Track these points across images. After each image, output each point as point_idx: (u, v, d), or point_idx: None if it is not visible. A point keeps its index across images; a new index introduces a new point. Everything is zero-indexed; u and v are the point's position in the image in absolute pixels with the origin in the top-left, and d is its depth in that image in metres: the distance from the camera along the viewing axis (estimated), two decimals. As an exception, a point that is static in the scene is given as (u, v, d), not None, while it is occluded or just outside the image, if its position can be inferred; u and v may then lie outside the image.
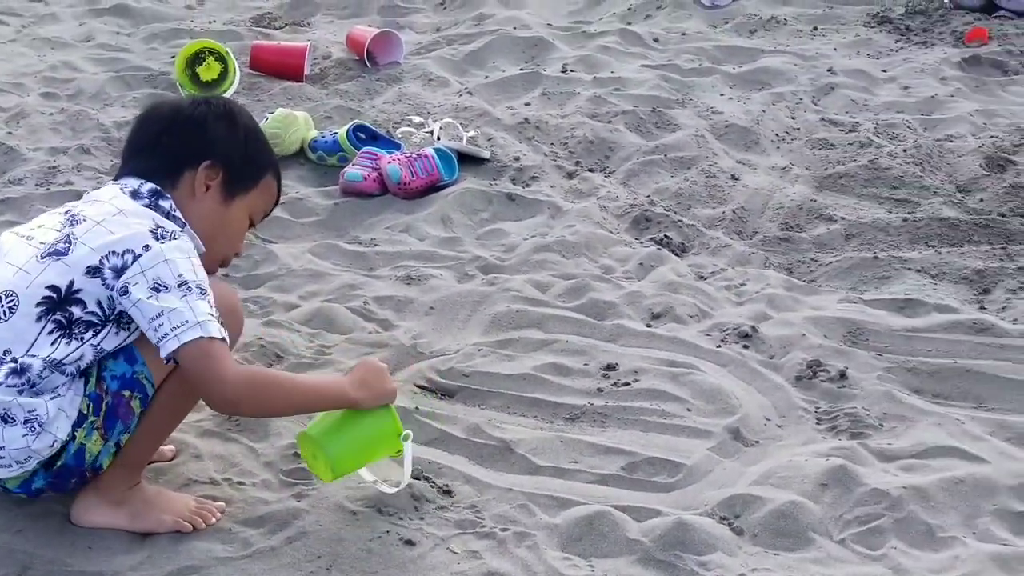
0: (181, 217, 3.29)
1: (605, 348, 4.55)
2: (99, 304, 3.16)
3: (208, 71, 6.78)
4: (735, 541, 3.56)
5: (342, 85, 7.12)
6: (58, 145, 6.11)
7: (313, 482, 3.62)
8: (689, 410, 4.19)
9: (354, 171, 5.78)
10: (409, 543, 3.42)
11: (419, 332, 4.65)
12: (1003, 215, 5.57)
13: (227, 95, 6.69)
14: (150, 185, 3.29)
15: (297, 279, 5.01)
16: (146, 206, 3.24)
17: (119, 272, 3.12)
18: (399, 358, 4.46)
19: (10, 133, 6.25)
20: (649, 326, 4.72)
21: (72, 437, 3.21)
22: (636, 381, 4.33)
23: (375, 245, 5.35)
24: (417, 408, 4.12)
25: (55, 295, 3.13)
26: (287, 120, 6.09)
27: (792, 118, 6.89)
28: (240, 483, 3.62)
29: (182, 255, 3.16)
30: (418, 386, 4.30)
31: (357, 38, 7.46)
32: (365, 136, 6.12)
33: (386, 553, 3.37)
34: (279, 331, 4.54)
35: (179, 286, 3.11)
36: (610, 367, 4.42)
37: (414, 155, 5.83)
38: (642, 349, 4.56)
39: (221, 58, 6.78)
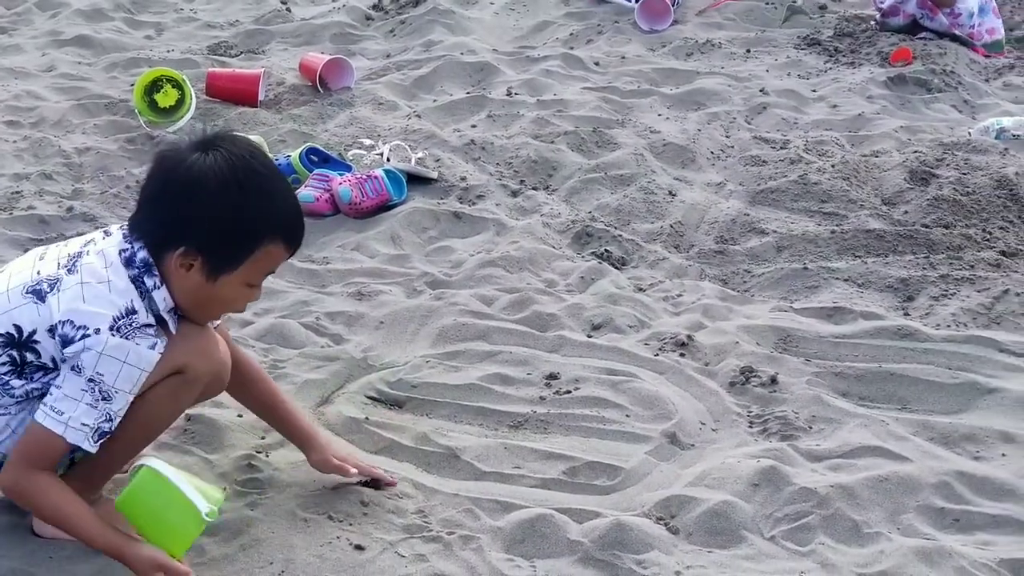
0: (162, 298, 3.18)
1: (547, 358, 4.56)
2: (52, 359, 3.14)
3: (166, 98, 6.76)
4: (671, 540, 3.57)
5: (295, 110, 7.11)
6: (21, 171, 6.08)
7: (266, 491, 3.62)
8: (628, 416, 4.20)
9: (307, 192, 5.78)
10: (359, 548, 3.43)
11: (369, 346, 4.65)
12: (926, 226, 5.61)
13: (183, 121, 6.67)
14: (144, 255, 3.17)
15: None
16: (133, 279, 3.14)
17: (66, 342, 3.07)
18: (350, 371, 4.46)
19: (-26, 160, 6.22)
20: (590, 336, 4.74)
21: None
22: (577, 389, 4.34)
23: (327, 263, 5.35)
24: (367, 418, 4.12)
25: (16, 335, 3.12)
26: None
27: (726, 136, 6.92)
28: (196, 493, 3.61)
29: (117, 356, 3.06)
30: (368, 397, 4.30)
31: (310, 64, 7.46)
32: (317, 159, 6.11)
33: (336, 558, 3.37)
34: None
35: (88, 380, 3.06)
36: (552, 376, 4.43)
37: (364, 176, 5.82)
38: (583, 359, 4.57)
39: (178, 85, 6.76)
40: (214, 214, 3.15)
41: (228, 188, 3.15)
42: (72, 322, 3.07)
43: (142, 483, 3.11)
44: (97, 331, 3.06)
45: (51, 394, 3.08)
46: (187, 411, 3.94)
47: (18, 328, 3.11)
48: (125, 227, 3.26)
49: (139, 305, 3.13)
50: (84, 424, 3.06)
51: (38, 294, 3.12)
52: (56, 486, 3.15)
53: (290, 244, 3.32)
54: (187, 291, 3.21)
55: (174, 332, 3.25)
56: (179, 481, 3.13)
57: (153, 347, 3.13)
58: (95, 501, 3.37)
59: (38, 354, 3.13)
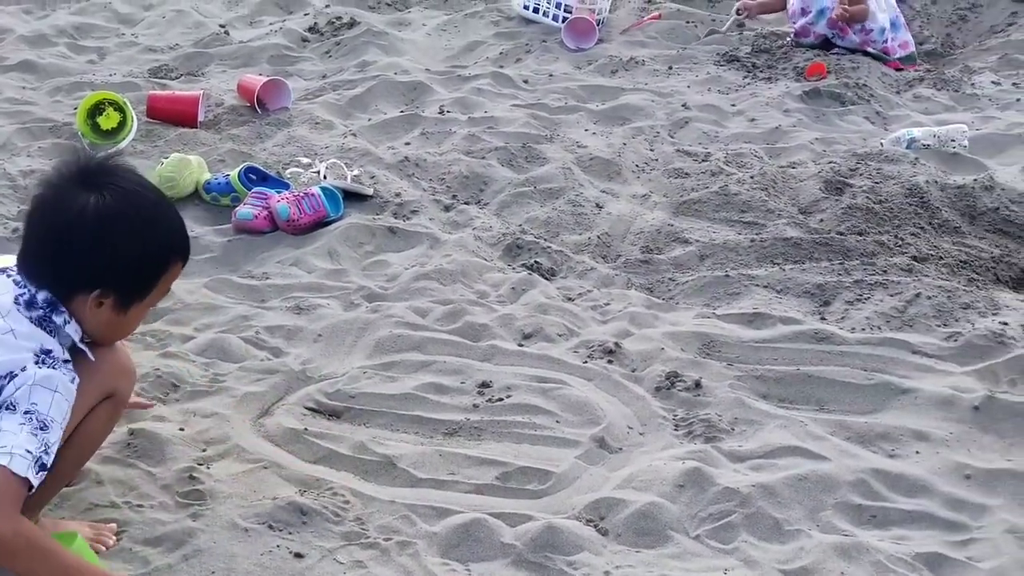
0: (74, 331, 3.12)
1: (480, 367, 4.55)
2: None
3: (108, 120, 6.69)
4: (600, 541, 3.58)
5: (234, 130, 7.06)
6: (-34, 194, 6.01)
7: (207, 503, 3.59)
8: (558, 422, 4.20)
9: (245, 210, 5.74)
10: (298, 556, 3.41)
11: (308, 358, 4.62)
12: (841, 233, 5.65)
13: (126, 142, 6.62)
14: (45, 295, 3.08)
15: (192, 312, 4.96)
16: (39, 319, 3.06)
17: None
18: (289, 383, 4.43)
19: (-81, 183, 6.14)
20: (521, 345, 4.74)
21: None
22: (509, 397, 4.34)
23: (266, 278, 5.31)
24: (306, 429, 4.09)
25: None
26: (181, 164, 6.03)
27: (651, 150, 6.94)
28: (139, 505, 3.57)
29: (48, 387, 2.99)
30: (307, 408, 4.27)
31: (247, 86, 7.42)
32: (256, 177, 6.07)
33: (276, 566, 3.35)
34: (175, 362, 4.48)
35: (24, 412, 2.95)
36: (485, 384, 4.42)
37: (302, 194, 5.80)
38: (514, 367, 4.57)
39: (120, 108, 6.70)
40: (126, 256, 3.12)
41: (134, 228, 3.12)
42: None
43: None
44: (23, 368, 2.99)
45: None
46: (130, 426, 3.93)
47: None
48: (11, 271, 3.17)
49: (51, 343, 3.06)
50: (28, 451, 2.93)
51: None
52: (30, 532, 2.96)
53: (186, 259, 3.34)
54: (98, 324, 3.17)
55: (92, 359, 3.20)
56: None
57: (72, 381, 3.07)
58: (35, 521, 3.32)
59: None
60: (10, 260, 3.23)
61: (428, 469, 3.92)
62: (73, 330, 3.12)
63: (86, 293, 3.10)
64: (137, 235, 3.13)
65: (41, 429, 2.98)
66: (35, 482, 2.96)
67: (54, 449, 3.01)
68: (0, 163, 6.37)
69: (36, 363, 3.01)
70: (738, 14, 9.16)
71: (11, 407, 2.97)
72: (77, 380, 3.10)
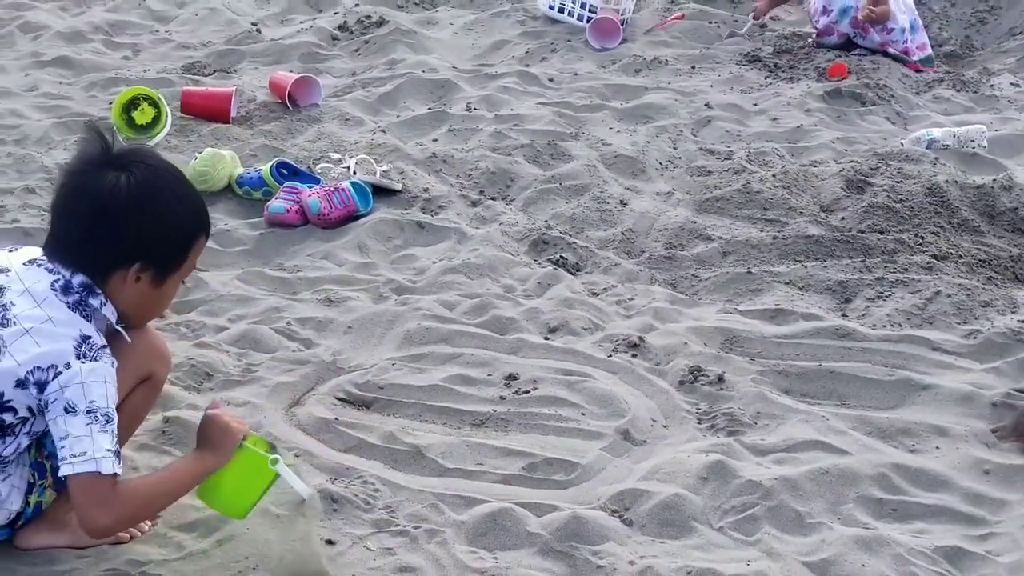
0: (111, 312, 3.13)
1: (507, 360, 4.54)
2: (29, 408, 3.06)
3: (142, 115, 6.70)
4: (625, 532, 3.57)
5: (266, 126, 7.06)
6: (5, 186, 6.01)
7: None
8: (583, 414, 4.19)
9: (277, 204, 5.75)
10: (329, 542, 3.41)
11: (338, 349, 4.62)
12: (862, 231, 5.63)
13: (160, 136, 6.63)
14: (81, 278, 3.10)
15: (226, 303, 4.97)
16: (75, 304, 3.07)
17: (41, 387, 3.00)
18: (320, 373, 4.44)
19: (-40, 176, 6.16)
20: (546, 339, 4.72)
21: (27, 503, 3.20)
22: (535, 389, 4.33)
23: (297, 271, 5.31)
24: (337, 419, 4.09)
25: None
26: (215, 159, 6.04)
27: (674, 148, 6.92)
28: (173, 492, 3.58)
29: (97, 379, 3.02)
30: (338, 398, 4.28)
31: (279, 82, 7.42)
32: (287, 172, 6.07)
33: (307, 552, 3.35)
34: (209, 352, 4.49)
35: (87, 412, 2.99)
36: (511, 377, 4.42)
37: (332, 188, 5.80)
38: (540, 360, 4.56)
39: (154, 103, 6.71)
40: (161, 227, 3.16)
41: (166, 201, 3.16)
42: (39, 367, 3.01)
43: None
44: (68, 365, 3.01)
45: (62, 447, 3.00)
46: (164, 414, 3.93)
47: None
48: (41, 260, 3.17)
49: (89, 329, 3.07)
50: (108, 450, 3.00)
51: None
52: (129, 492, 3.11)
53: (208, 232, 3.36)
54: (134, 301, 3.19)
55: (129, 341, 3.23)
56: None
57: (112, 365, 3.09)
58: (72, 510, 3.33)
59: (14, 411, 3.05)
60: (34, 251, 3.23)
61: (456, 459, 3.92)
62: (109, 312, 3.14)
63: (125, 269, 3.13)
64: (169, 208, 3.17)
65: (107, 422, 3.02)
66: (120, 471, 3.04)
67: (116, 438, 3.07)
68: (38, 156, 6.39)
69: (78, 356, 3.02)
70: (754, 19, 9.11)
71: (72, 409, 3.00)
72: (115, 363, 3.11)
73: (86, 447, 2.97)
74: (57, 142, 6.71)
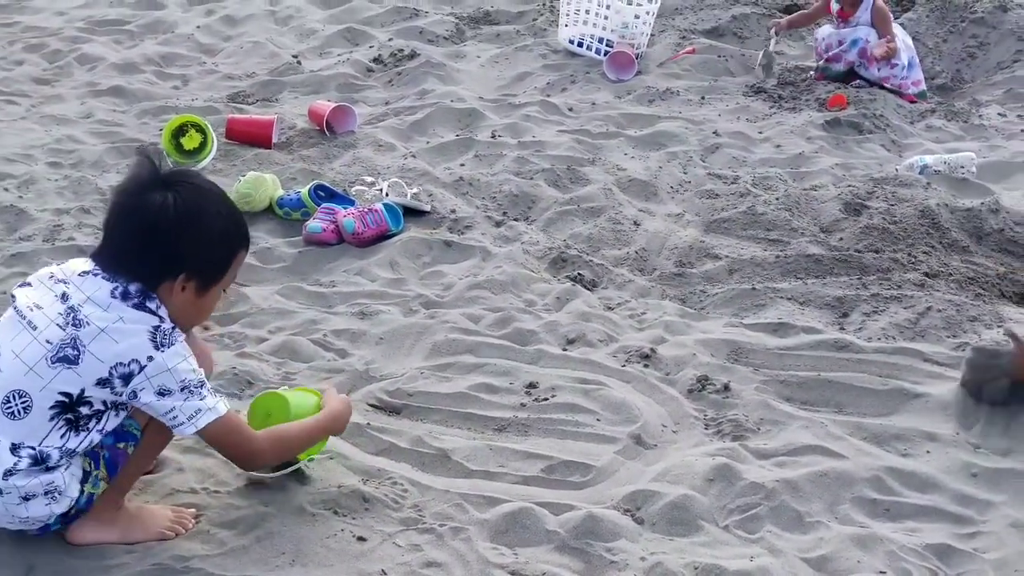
0: (164, 315, 3.17)
1: (528, 369, 4.55)
2: (105, 403, 3.13)
3: (190, 141, 6.74)
4: (637, 530, 3.58)
5: (305, 151, 7.08)
6: (62, 207, 6.05)
7: (278, 490, 3.60)
8: (599, 420, 4.20)
9: (315, 224, 5.78)
10: (361, 539, 3.42)
11: (371, 359, 4.64)
12: (858, 251, 5.62)
13: (206, 161, 6.66)
14: (137, 285, 3.15)
15: (266, 316, 4.99)
16: (136, 306, 3.12)
17: (127, 380, 3.07)
18: (354, 381, 4.45)
19: (20, 197, 6.17)
20: (565, 350, 4.73)
21: (81, 491, 3.22)
22: (554, 396, 4.34)
23: (333, 286, 5.33)
24: (369, 424, 4.11)
25: (67, 399, 3.08)
26: (258, 181, 6.07)
27: (684, 173, 6.91)
28: (216, 491, 3.60)
29: (180, 359, 3.12)
30: (370, 405, 4.29)
31: (317, 111, 7.45)
32: (324, 194, 6.10)
33: (340, 548, 3.36)
34: (251, 361, 4.51)
35: (182, 390, 3.11)
36: (532, 385, 4.42)
37: (366, 210, 5.82)
38: (559, 369, 4.57)
39: (201, 130, 6.74)
40: (206, 242, 3.22)
41: (211, 217, 3.23)
42: (121, 363, 3.07)
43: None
44: (150, 358, 3.08)
45: (172, 418, 3.15)
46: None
47: (67, 394, 3.08)
48: (96, 270, 3.19)
49: (155, 320, 3.13)
50: (212, 398, 3.20)
51: (66, 360, 3.07)
52: (267, 436, 3.43)
53: (248, 246, 3.43)
54: (180, 308, 3.23)
55: None
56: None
57: (183, 338, 3.19)
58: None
59: (91, 404, 3.11)
60: (82, 264, 3.26)
61: (479, 462, 3.93)
62: (164, 314, 3.17)
63: (172, 279, 3.18)
64: (212, 223, 3.24)
65: (200, 386, 3.18)
66: (230, 409, 3.27)
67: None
68: (93, 179, 6.43)
69: (156, 347, 3.10)
70: (776, 33, 9.06)
71: (167, 392, 3.12)
72: (183, 336, 3.22)
73: (196, 405, 3.14)
74: (110, 165, 6.76)
